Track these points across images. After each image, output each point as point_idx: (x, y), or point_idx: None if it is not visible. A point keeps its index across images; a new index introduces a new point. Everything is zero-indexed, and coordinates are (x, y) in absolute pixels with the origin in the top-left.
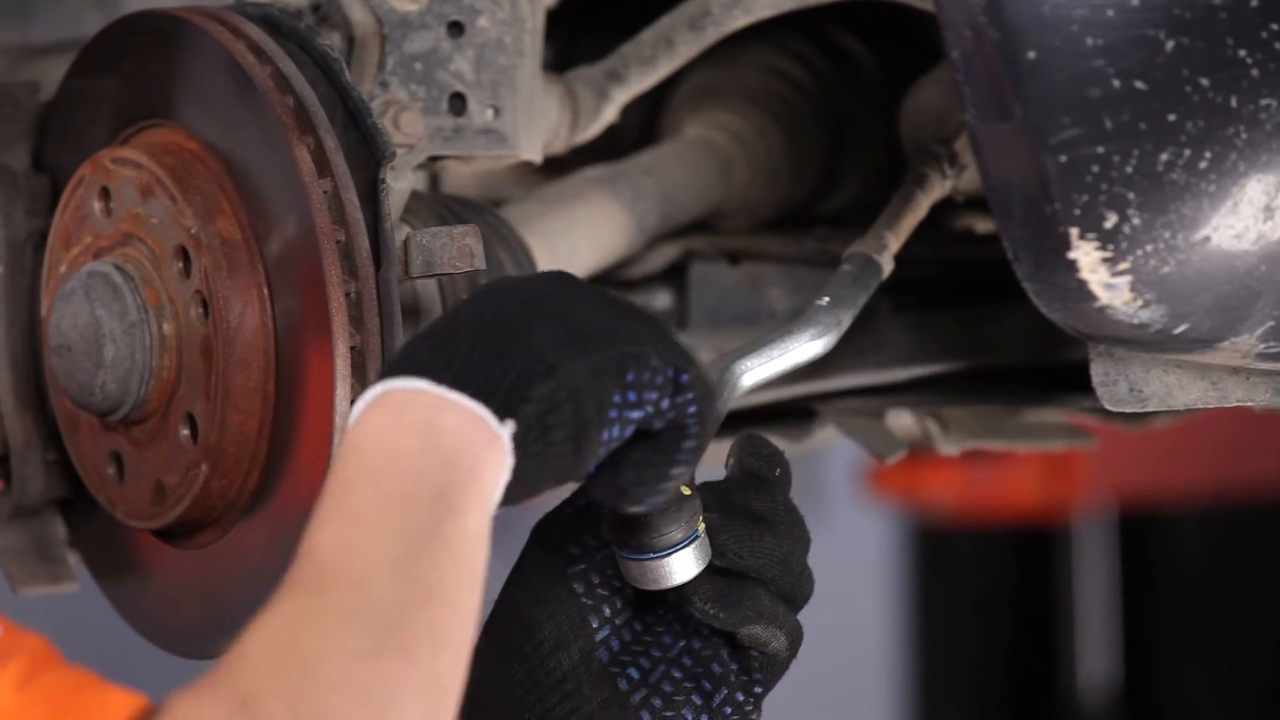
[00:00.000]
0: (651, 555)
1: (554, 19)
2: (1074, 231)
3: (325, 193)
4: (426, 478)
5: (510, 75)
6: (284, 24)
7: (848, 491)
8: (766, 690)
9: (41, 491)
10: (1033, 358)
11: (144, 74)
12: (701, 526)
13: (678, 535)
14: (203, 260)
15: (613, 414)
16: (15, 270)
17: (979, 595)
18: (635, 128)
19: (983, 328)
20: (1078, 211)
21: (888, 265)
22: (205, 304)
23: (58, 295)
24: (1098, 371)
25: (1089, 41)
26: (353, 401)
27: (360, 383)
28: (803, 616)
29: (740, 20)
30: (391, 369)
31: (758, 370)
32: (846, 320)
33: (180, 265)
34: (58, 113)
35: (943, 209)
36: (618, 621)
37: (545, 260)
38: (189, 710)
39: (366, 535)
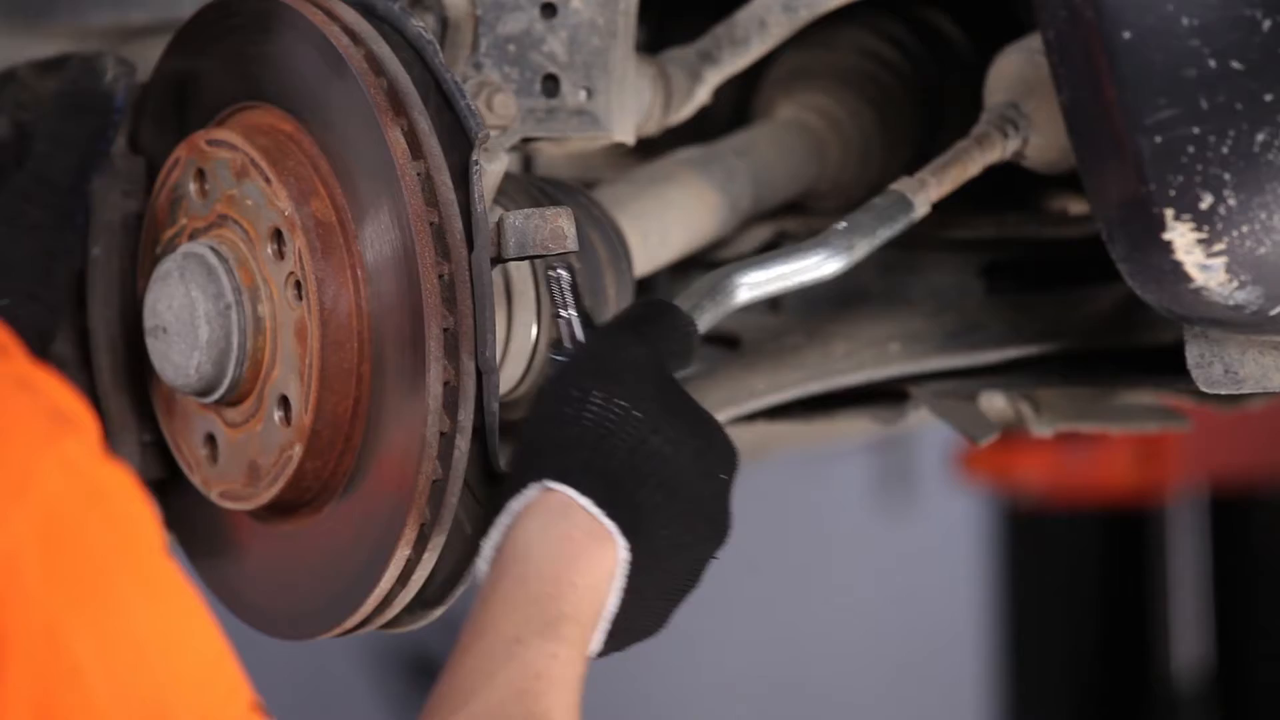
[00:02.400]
0: None
1: (646, 1)
2: (1169, 213)
3: (418, 175)
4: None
5: (603, 56)
6: (378, 7)
7: (940, 474)
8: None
9: (137, 472)
10: (1127, 339)
11: (239, 56)
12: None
13: None
14: (297, 242)
15: None
16: (111, 252)
17: (1071, 578)
18: (728, 109)
19: (1077, 309)
20: (1173, 192)
21: (921, 205)
22: (300, 286)
23: (154, 277)
24: (1193, 353)
25: (1185, 21)
26: (446, 383)
27: (453, 364)
28: (894, 599)
29: (833, 1)
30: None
31: (758, 284)
32: (860, 248)
33: (275, 247)
34: (154, 95)
35: (1037, 190)
36: None
37: (638, 243)
38: None
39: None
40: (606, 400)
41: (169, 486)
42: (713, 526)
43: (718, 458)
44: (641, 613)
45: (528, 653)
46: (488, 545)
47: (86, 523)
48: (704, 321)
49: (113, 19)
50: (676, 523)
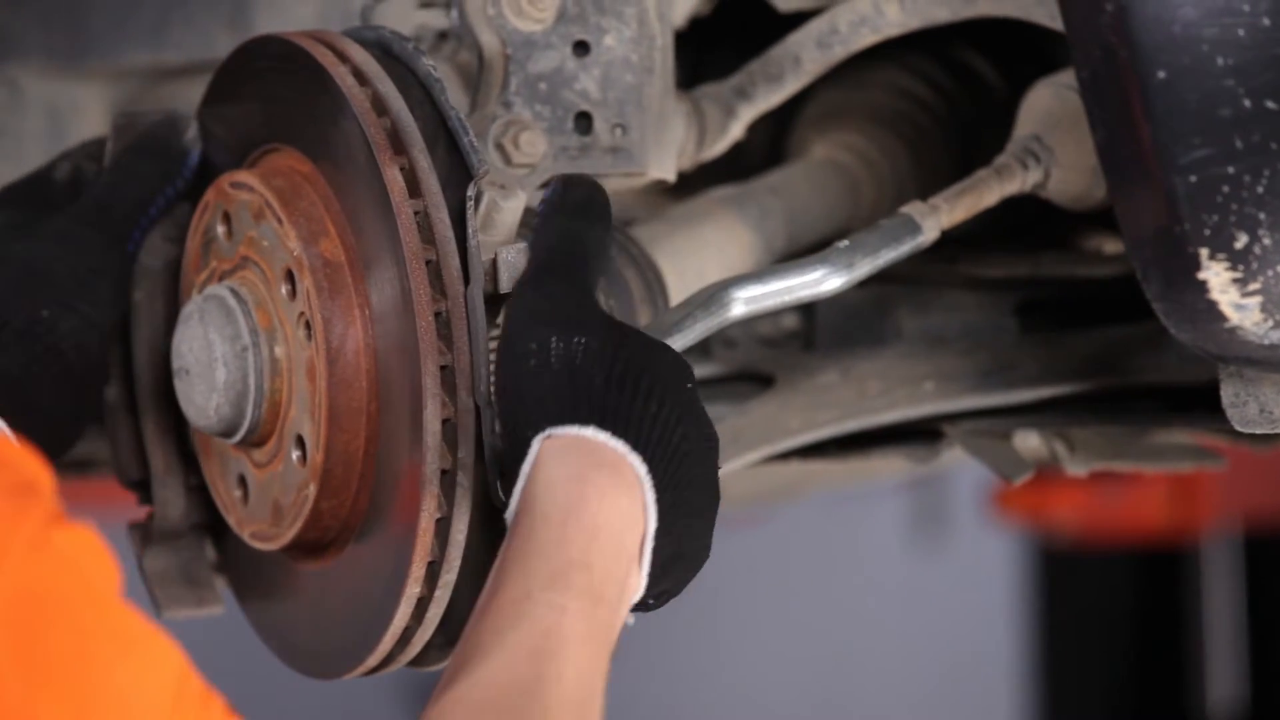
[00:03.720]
0: None
1: (681, 38)
2: (1204, 252)
3: (416, 213)
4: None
5: (637, 93)
6: (394, 46)
7: (974, 513)
8: None
9: (182, 516)
10: (1161, 378)
11: (266, 99)
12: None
13: None
14: (305, 282)
15: None
16: (154, 297)
17: (1105, 617)
18: (762, 146)
19: (1111, 348)
20: (1208, 232)
21: (929, 229)
22: (309, 325)
23: (179, 319)
24: (1228, 392)
25: (1220, 61)
26: (445, 420)
27: (452, 401)
28: (929, 637)
29: (868, 39)
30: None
31: (755, 298)
32: (862, 266)
33: (288, 288)
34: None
35: (1071, 228)
36: None
37: (674, 281)
38: None
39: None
40: (565, 340)
41: (223, 530)
42: (705, 430)
43: (681, 365)
44: (679, 538)
45: (536, 609)
46: (509, 514)
47: (53, 595)
48: (695, 332)
49: (149, 59)
50: (677, 428)
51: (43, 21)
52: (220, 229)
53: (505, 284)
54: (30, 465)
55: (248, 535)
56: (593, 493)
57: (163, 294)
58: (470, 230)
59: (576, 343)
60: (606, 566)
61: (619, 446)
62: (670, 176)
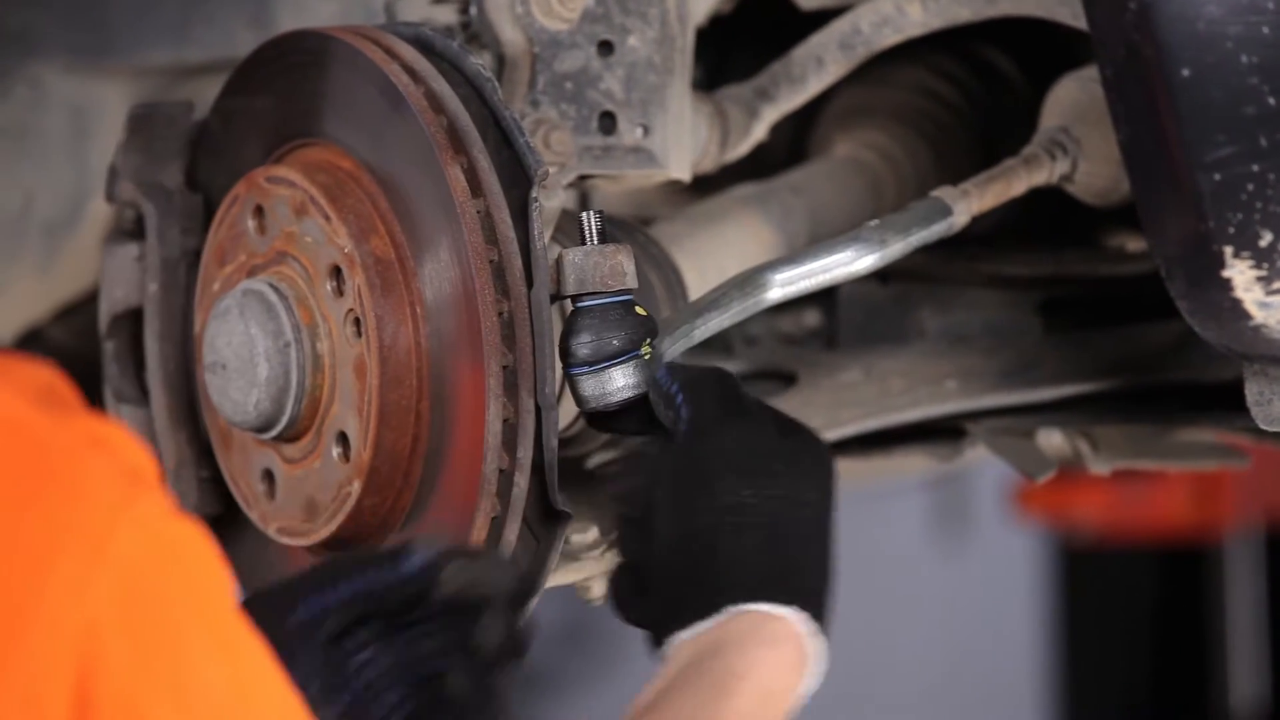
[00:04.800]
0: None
1: (703, 37)
2: (1228, 250)
3: (478, 213)
4: None
5: (660, 94)
6: (436, 44)
7: (996, 511)
8: (488, 637)
9: (195, 508)
10: (1185, 376)
11: (298, 93)
12: (646, 350)
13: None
14: (356, 279)
15: None
16: (169, 288)
17: (1127, 615)
18: (784, 146)
19: (1134, 346)
20: (1232, 230)
21: (960, 213)
22: (359, 323)
23: (213, 313)
24: (1252, 390)
25: (1244, 59)
26: (505, 421)
27: (512, 402)
28: (951, 635)
29: (890, 38)
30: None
31: (791, 280)
32: (893, 245)
33: (334, 284)
34: (211, 132)
35: (1095, 227)
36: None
37: (694, 280)
38: None
39: None
40: (758, 496)
41: (226, 522)
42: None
43: (831, 495)
44: None
45: None
46: (664, 651)
47: (163, 586)
48: (730, 315)
49: (171, 58)
50: (830, 584)
51: (65, 20)
52: (251, 223)
53: (570, 286)
54: (139, 456)
55: (274, 530)
56: (766, 669)
57: (177, 287)
58: (535, 231)
59: (770, 498)
60: None
61: (800, 625)
62: (686, 177)
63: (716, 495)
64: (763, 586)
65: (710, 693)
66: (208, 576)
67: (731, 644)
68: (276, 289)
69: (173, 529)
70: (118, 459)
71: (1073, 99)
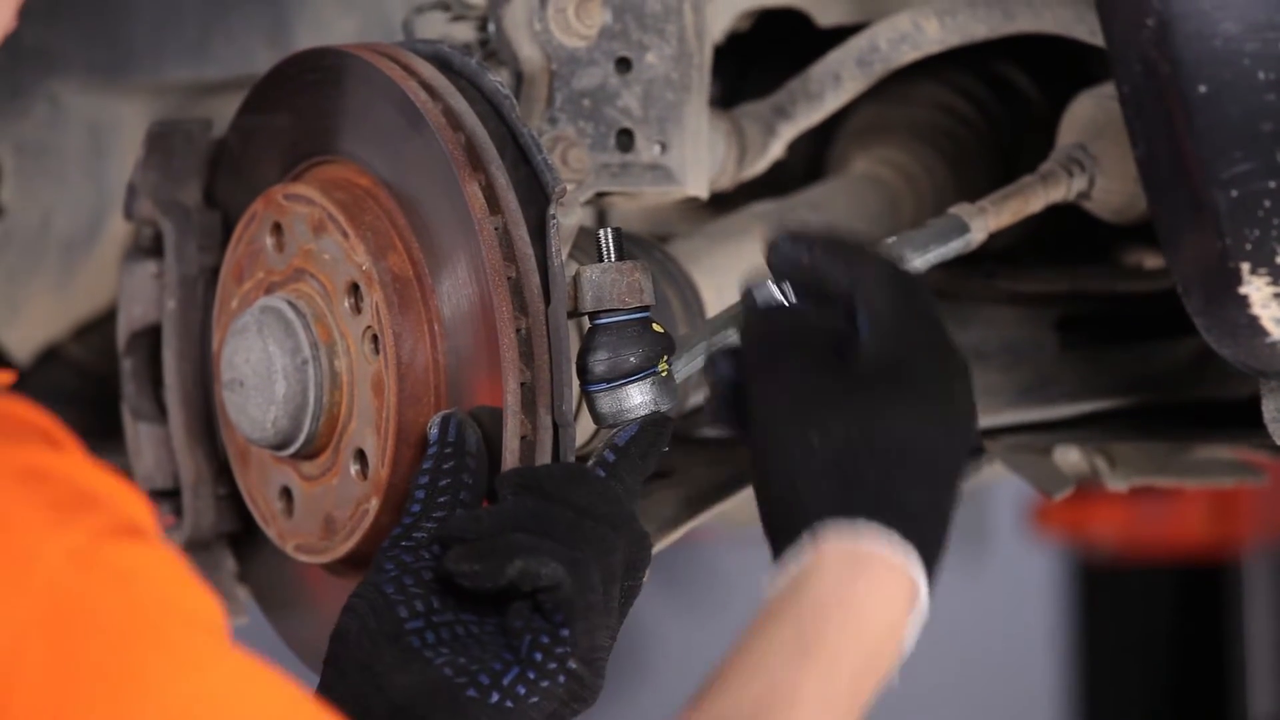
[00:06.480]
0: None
1: (721, 55)
2: (1245, 267)
3: (496, 230)
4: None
5: (677, 111)
6: (454, 61)
7: (1014, 528)
8: (576, 627)
9: (212, 526)
10: (1202, 393)
11: (315, 110)
12: (663, 367)
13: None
14: (374, 296)
15: None
16: (187, 305)
17: (1145, 633)
18: (802, 163)
19: (1151, 363)
20: (1249, 247)
21: (978, 229)
22: (376, 340)
23: (230, 330)
24: (1269, 407)
25: (1261, 76)
26: (523, 438)
27: (530, 418)
28: (967, 653)
29: (908, 56)
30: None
31: None
32: (911, 262)
33: (352, 301)
34: (230, 149)
35: (1112, 243)
36: (434, 619)
37: (712, 298)
38: None
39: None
40: (847, 423)
41: (244, 539)
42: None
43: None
44: None
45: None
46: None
47: (100, 606)
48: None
49: (189, 76)
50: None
51: (84, 37)
52: (269, 240)
53: (588, 303)
54: (91, 479)
55: (291, 547)
56: (863, 591)
57: (195, 304)
58: (553, 249)
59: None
60: (866, 660)
61: (894, 545)
62: (704, 194)
63: (789, 428)
64: (841, 504)
65: (794, 645)
66: (161, 597)
67: (828, 575)
68: (294, 306)
69: (117, 554)
70: (53, 489)
71: (1090, 116)
